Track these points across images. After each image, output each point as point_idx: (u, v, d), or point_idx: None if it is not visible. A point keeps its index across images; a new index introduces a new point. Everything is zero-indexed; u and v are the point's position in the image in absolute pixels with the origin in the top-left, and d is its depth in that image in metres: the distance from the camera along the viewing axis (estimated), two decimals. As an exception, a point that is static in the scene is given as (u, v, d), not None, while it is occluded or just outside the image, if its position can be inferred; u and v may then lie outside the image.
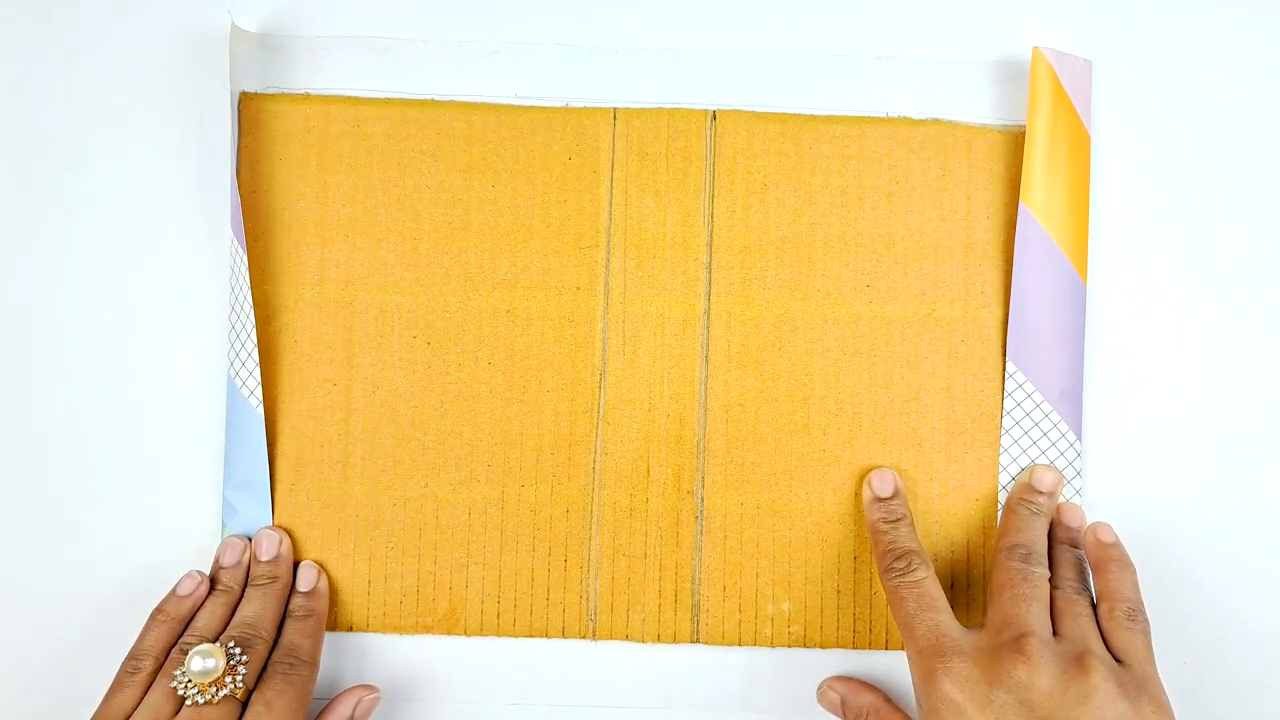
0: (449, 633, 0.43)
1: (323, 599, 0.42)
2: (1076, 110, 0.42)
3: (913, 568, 0.39)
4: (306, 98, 0.44)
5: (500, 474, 0.43)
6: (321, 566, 0.43)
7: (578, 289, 0.44)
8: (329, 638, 0.43)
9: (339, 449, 0.44)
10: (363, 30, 0.45)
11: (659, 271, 0.44)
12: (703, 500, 0.43)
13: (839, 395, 0.43)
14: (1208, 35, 0.44)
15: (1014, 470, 0.42)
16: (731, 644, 0.43)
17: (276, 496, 0.43)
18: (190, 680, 0.37)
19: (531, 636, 0.43)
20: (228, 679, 0.37)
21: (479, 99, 0.44)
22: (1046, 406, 0.41)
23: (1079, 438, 0.42)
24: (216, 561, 0.42)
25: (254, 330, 0.42)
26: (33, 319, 0.44)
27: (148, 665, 0.38)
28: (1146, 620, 0.38)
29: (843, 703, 0.41)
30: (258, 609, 0.40)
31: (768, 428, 0.43)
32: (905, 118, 0.44)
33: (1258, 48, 0.44)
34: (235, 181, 0.43)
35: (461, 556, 0.43)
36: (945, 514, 0.42)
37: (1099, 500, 0.43)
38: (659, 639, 0.43)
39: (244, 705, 0.37)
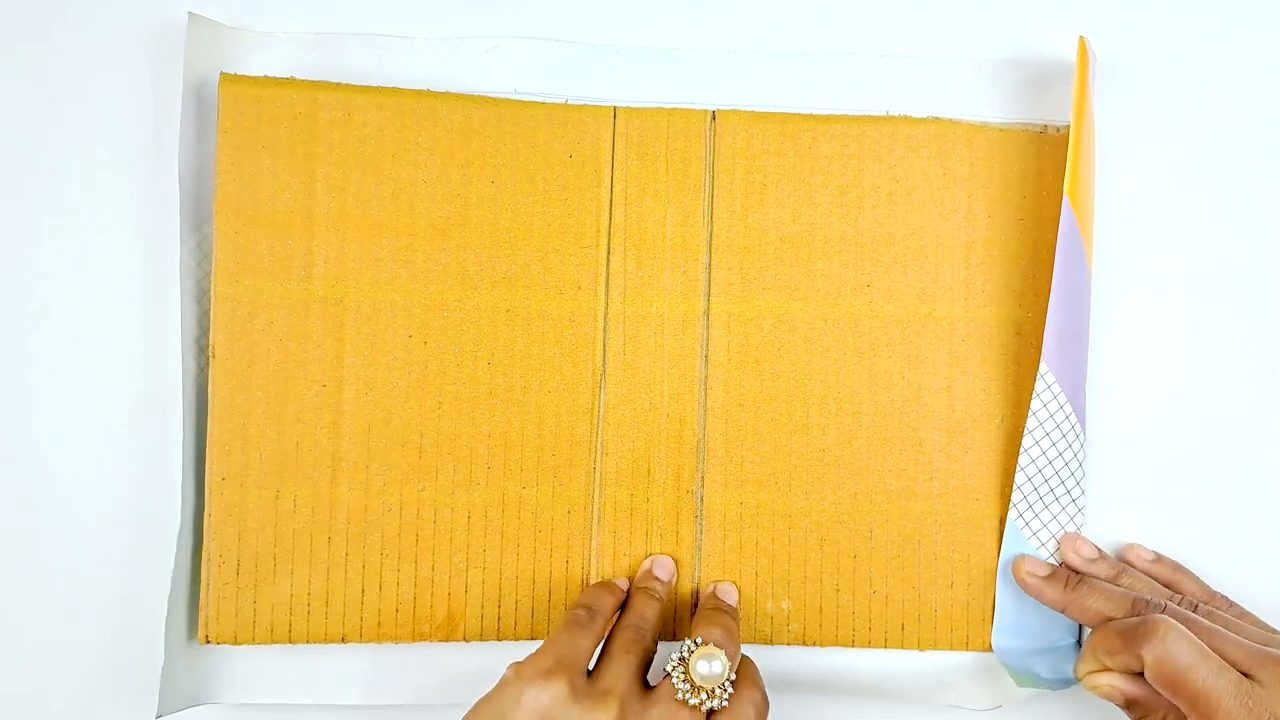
0: (447, 640, 0.42)
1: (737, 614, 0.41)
2: (1093, 105, 0.43)
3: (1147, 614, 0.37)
4: (292, 82, 0.42)
5: (500, 476, 0.42)
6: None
7: (578, 288, 0.43)
8: (316, 649, 0.42)
9: (328, 452, 0.42)
10: (360, 27, 0.43)
11: (659, 271, 0.43)
12: (702, 500, 0.43)
13: (839, 395, 0.43)
14: (1209, 33, 0.45)
15: (1032, 472, 0.42)
16: (731, 644, 0.43)
17: (260, 502, 0.41)
18: (687, 676, 0.36)
19: (534, 639, 0.42)
20: (716, 690, 0.35)
21: (478, 94, 0.43)
22: (1069, 408, 0.42)
23: (1084, 430, 0.43)
24: (649, 573, 0.42)
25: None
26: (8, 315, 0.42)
27: (600, 619, 0.38)
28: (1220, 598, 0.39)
29: (1126, 699, 0.38)
30: (721, 638, 0.38)
31: (767, 427, 0.43)
32: (905, 116, 0.44)
33: (1258, 44, 0.45)
34: (214, 172, 0.41)
35: (461, 561, 0.42)
36: (946, 514, 0.43)
37: (1100, 498, 0.43)
38: (660, 638, 0.42)
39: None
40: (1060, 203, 0.41)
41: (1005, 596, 0.42)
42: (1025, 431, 0.41)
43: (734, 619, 0.40)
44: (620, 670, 0.36)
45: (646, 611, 0.39)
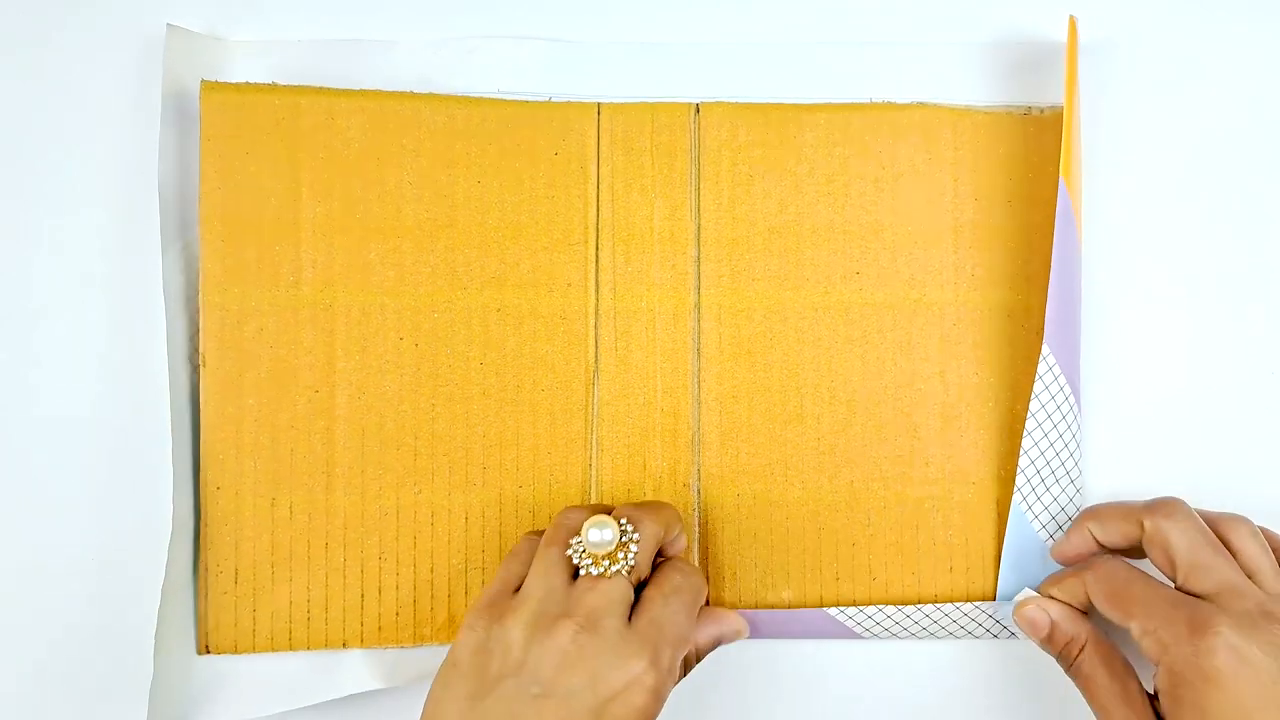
0: (449, 642, 0.42)
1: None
2: (1079, 87, 0.43)
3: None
4: (273, 88, 0.42)
5: (497, 476, 0.42)
6: None
7: (568, 285, 0.43)
8: (321, 657, 0.41)
9: (322, 458, 0.42)
10: (339, 34, 0.43)
11: (648, 266, 0.43)
12: (699, 493, 0.43)
13: (831, 384, 0.43)
14: (1202, 16, 0.45)
15: (1035, 455, 0.41)
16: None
17: (256, 510, 0.41)
18: (585, 550, 0.36)
19: (535, 641, 0.42)
20: (620, 554, 0.36)
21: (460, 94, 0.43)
22: (1068, 389, 0.42)
23: (1080, 411, 0.43)
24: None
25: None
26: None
27: (536, 543, 0.38)
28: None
29: (1052, 627, 0.39)
30: (632, 513, 0.38)
31: (761, 418, 0.43)
32: (889, 103, 0.44)
33: (1254, 27, 0.45)
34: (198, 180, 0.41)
35: (459, 562, 0.42)
36: (943, 499, 0.43)
37: (1101, 497, 0.43)
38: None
39: (636, 594, 0.37)
40: (1047, 184, 0.41)
41: (1008, 581, 0.42)
42: (1029, 415, 0.41)
43: (654, 506, 0.39)
44: (539, 571, 0.37)
45: (572, 513, 0.39)
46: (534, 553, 0.38)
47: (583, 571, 0.36)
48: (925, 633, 0.42)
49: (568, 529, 0.38)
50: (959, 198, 0.44)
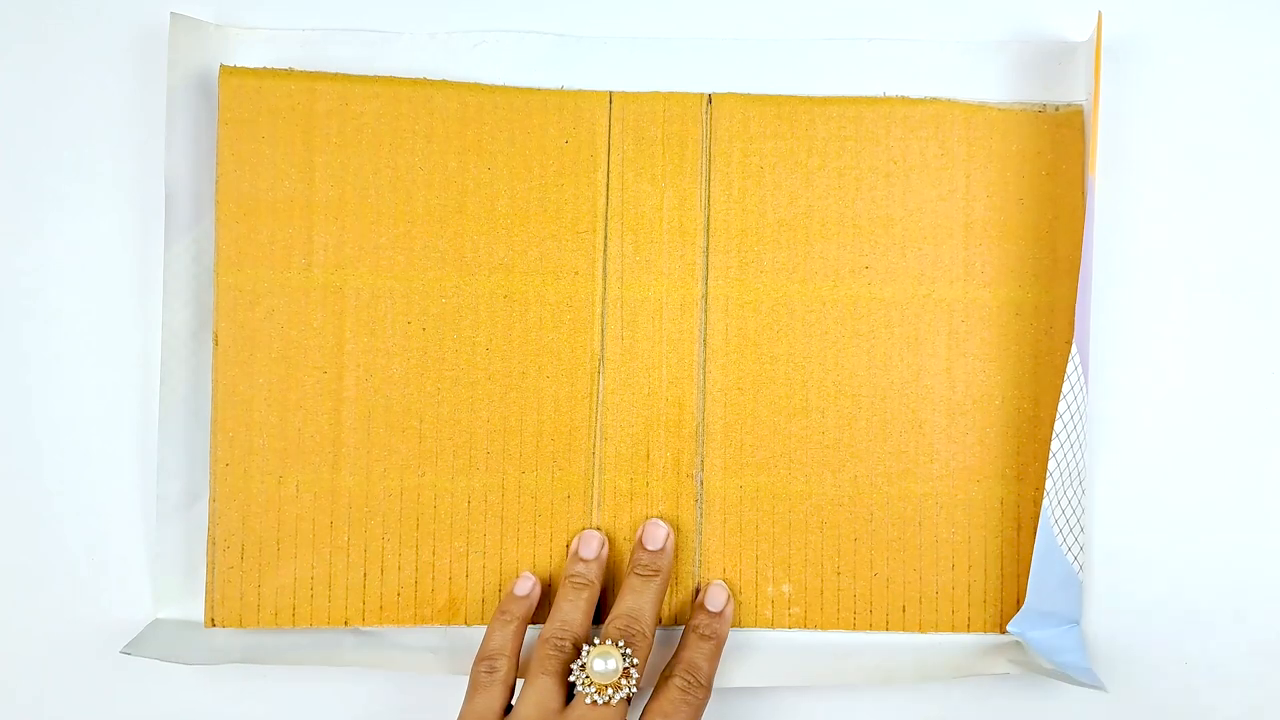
0: (449, 623, 0.42)
1: (727, 624, 0.41)
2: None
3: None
4: (290, 73, 0.43)
5: (500, 461, 0.42)
6: (730, 591, 0.42)
7: (575, 273, 0.43)
8: (324, 634, 0.42)
9: (329, 439, 0.42)
10: (349, 23, 0.43)
11: (656, 256, 0.43)
12: (702, 484, 0.43)
13: (838, 378, 0.43)
14: (1213, 17, 0.44)
15: (1061, 457, 0.41)
16: (732, 626, 0.43)
17: (263, 487, 0.42)
18: (589, 679, 0.37)
19: (534, 623, 0.42)
20: (623, 681, 0.37)
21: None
22: (1087, 389, 0.41)
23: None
24: (575, 555, 0.41)
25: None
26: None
27: (503, 665, 0.39)
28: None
29: None
30: (639, 604, 0.39)
31: (767, 411, 0.43)
32: (903, 97, 0.44)
33: (1261, 33, 0.44)
34: (215, 162, 0.42)
35: (461, 546, 0.42)
36: (947, 495, 0.43)
37: (1101, 497, 0.43)
38: (660, 623, 0.42)
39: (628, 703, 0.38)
40: (1060, 182, 0.41)
41: (1038, 583, 0.41)
42: (1057, 416, 0.40)
43: (639, 611, 0.40)
44: (530, 697, 0.37)
45: (570, 613, 0.40)
46: (506, 675, 0.39)
47: (587, 700, 0.37)
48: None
49: (558, 649, 0.38)
50: (971, 194, 0.43)
